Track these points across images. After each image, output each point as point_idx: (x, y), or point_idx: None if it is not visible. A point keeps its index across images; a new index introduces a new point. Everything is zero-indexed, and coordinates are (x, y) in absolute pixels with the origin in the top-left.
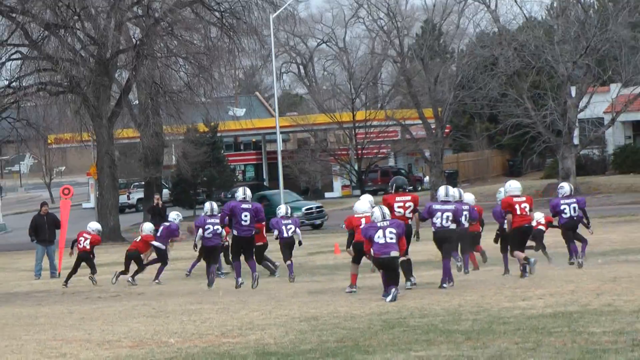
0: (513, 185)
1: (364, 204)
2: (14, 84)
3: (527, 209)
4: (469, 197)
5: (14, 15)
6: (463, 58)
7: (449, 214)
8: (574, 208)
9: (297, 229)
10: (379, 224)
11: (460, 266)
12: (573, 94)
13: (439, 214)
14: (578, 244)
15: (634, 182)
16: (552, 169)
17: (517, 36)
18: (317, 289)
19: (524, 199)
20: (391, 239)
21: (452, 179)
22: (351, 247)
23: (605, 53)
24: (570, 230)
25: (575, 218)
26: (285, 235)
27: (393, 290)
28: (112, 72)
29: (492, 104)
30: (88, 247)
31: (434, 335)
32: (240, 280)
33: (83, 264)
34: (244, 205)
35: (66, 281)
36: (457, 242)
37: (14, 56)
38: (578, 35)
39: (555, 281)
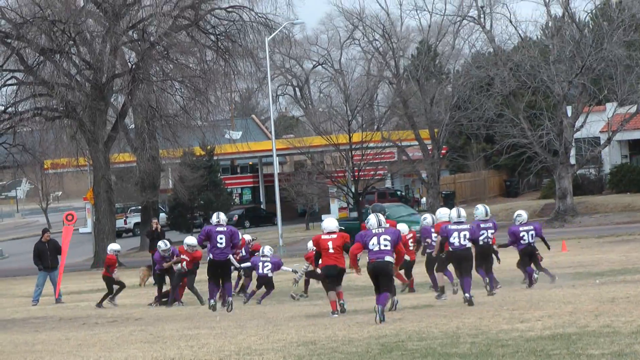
0: (442, 212)
1: (330, 223)
2: (9, 109)
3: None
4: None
5: (9, 40)
6: (459, 79)
7: (466, 232)
8: (532, 235)
9: (282, 267)
10: (374, 231)
11: (455, 290)
12: (569, 113)
13: (455, 233)
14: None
15: (631, 202)
16: (549, 189)
17: (512, 56)
18: (315, 313)
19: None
20: (385, 245)
21: (449, 200)
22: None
23: (600, 72)
24: (527, 256)
25: (532, 244)
26: (260, 271)
27: (379, 307)
28: (108, 97)
29: (488, 125)
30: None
31: (432, 359)
32: (212, 301)
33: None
34: (219, 229)
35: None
36: (472, 261)
37: (10, 81)
38: (573, 55)
39: (553, 302)
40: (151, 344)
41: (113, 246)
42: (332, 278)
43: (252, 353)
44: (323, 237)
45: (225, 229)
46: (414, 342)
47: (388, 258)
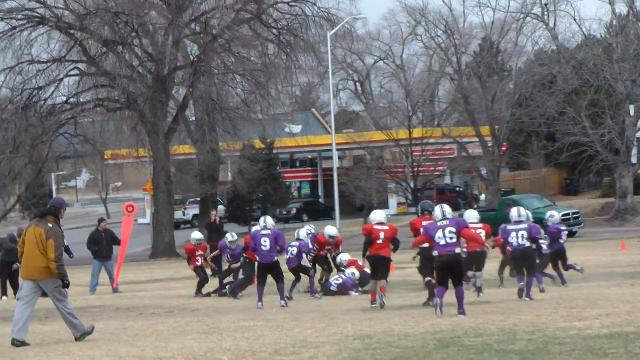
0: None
1: (380, 214)
2: (71, 99)
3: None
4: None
5: (72, 31)
6: (521, 76)
7: (524, 232)
8: (522, 235)
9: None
10: (438, 223)
11: (479, 287)
12: (631, 112)
13: (513, 233)
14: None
15: None
16: (609, 188)
17: (575, 54)
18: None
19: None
20: (451, 238)
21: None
22: (366, 260)
23: None
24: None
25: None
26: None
27: (439, 301)
28: (169, 89)
29: (549, 122)
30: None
31: (489, 355)
32: (260, 304)
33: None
34: (264, 232)
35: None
36: (533, 260)
37: (72, 72)
38: (637, 53)
39: (611, 301)
40: (207, 334)
41: (195, 235)
42: (377, 268)
43: (308, 346)
44: (375, 227)
45: (269, 232)
46: (470, 338)
47: (457, 250)
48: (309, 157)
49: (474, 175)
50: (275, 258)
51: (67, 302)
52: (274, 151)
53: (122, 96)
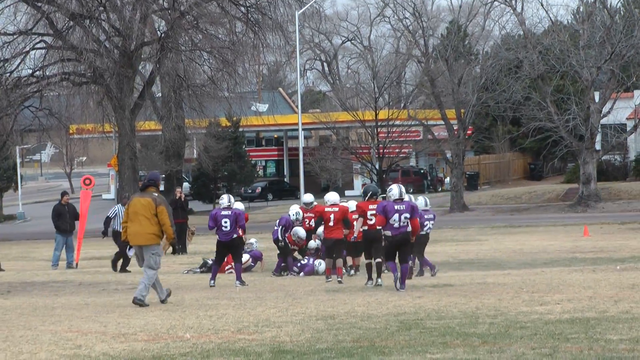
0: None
1: (333, 195)
2: (37, 73)
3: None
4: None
5: (39, 4)
6: (487, 60)
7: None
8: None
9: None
10: (396, 207)
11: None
12: (597, 99)
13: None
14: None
15: None
16: (573, 174)
17: (542, 40)
18: (335, 288)
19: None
20: (404, 223)
21: (473, 181)
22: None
23: (630, 59)
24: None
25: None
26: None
27: (397, 275)
28: (136, 64)
29: (515, 107)
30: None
31: (451, 338)
32: (212, 282)
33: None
34: (224, 212)
35: None
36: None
37: (39, 45)
38: (603, 41)
39: (573, 287)
40: (170, 312)
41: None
42: (331, 250)
43: (271, 325)
44: (326, 209)
45: (229, 212)
46: (432, 321)
47: (408, 229)
48: (275, 136)
49: (439, 158)
50: (235, 235)
51: (155, 272)
52: (240, 129)
53: (89, 71)
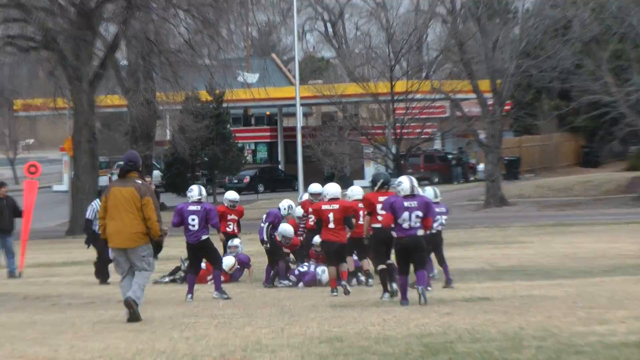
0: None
1: (333, 187)
2: None
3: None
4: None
5: None
6: (529, 19)
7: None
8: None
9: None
10: (406, 204)
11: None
12: None
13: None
14: None
15: None
16: (637, 159)
17: None
18: (342, 302)
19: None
20: (416, 223)
21: (513, 169)
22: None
23: None
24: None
25: (415, 232)
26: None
27: (421, 288)
28: (97, 26)
29: (563, 77)
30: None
31: None
32: (189, 297)
33: None
34: (192, 207)
35: None
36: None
37: None
38: None
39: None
40: (137, 332)
41: (229, 195)
42: (330, 255)
43: (263, 349)
44: (324, 206)
45: (198, 207)
46: (465, 344)
47: (420, 232)
48: (267, 113)
49: (470, 140)
50: (204, 237)
51: (148, 275)
52: (224, 105)
53: (39, 33)
